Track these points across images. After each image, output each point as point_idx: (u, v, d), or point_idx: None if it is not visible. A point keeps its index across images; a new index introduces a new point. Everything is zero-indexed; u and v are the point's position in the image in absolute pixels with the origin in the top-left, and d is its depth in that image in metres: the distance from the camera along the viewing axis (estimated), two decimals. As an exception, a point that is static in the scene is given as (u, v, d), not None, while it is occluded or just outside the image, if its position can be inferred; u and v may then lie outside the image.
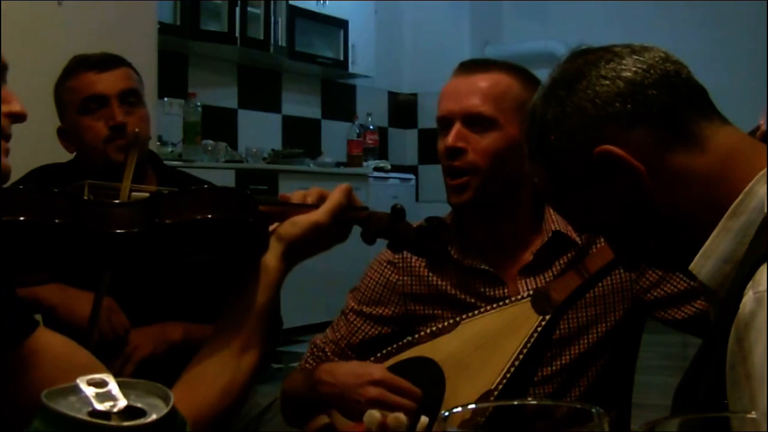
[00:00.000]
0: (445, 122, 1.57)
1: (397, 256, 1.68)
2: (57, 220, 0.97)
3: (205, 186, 1.09)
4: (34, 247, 0.98)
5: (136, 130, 1.86)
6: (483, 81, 1.57)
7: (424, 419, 1.08)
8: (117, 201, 1.09)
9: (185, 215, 1.04)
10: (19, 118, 1.04)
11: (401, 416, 1.05)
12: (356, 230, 1.24)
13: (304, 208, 1.20)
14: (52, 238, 0.98)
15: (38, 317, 1.94)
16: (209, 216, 1.05)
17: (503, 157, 1.54)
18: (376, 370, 1.43)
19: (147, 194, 1.11)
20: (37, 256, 1.01)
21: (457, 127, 1.54)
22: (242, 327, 1.11)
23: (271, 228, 1.17)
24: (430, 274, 1.65)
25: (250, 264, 1.15)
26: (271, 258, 1.15)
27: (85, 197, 1.09)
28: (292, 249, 1.16)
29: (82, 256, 1.03)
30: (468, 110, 1.54)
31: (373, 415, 1.06)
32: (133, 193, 1.12)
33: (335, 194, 1.20)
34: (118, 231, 1.01)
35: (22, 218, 0.95)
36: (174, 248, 1.07)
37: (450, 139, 1.54)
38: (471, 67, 1.61)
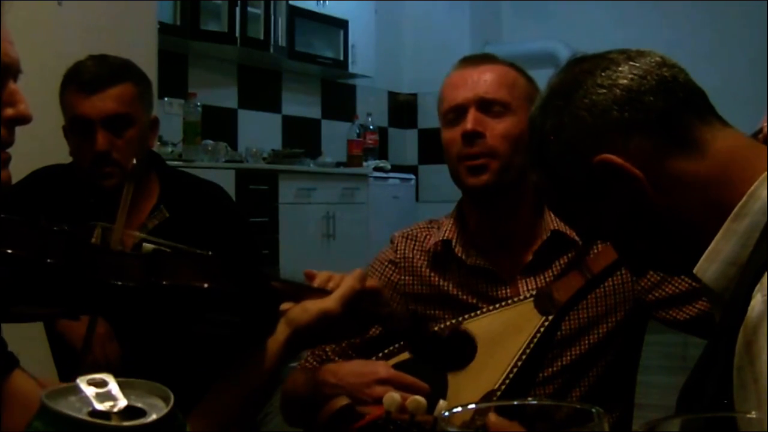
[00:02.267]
0: (458, 111, 1.57)
1: (398, 256, 1.68)
2: (49, 260, 0.92)
3: (213, 255, 1.03)
4: (21, 284, 0.94)
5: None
6: (491, 71, 1.58)
7: (442, 403, 1.08)
8: (116, 249, 1.02)
9: (183, 279, 0.98)
10: (22, 120, 1.01)
11: (421, 399, 1.05)
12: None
13: (319, 292, 1.12)
14: (41, 277, 0.93)
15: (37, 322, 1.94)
16: (206, 285, 0.98)
17: (518, 142, 1.54)
18: (381, 368, 1.42)
19: (153, 246, 1.03)
20: (22, 292, 0.95)
21: (473, 112, 1.55)
22: (226, 409, 1.06)
23: (284, 307, 1.10)
24: (432, 274, 1.64)
25: (254, 341, 1.09)
26: (274, 343, 1.09)
27: (93, 240, 1.03)
28: (299, 336, 1.09)
29: (72, 300, 0.98)
30: (483, 95, 1.55)
31: (393, 397, 1.06)
32: (145, 244, 1.04)
33: (347, 280, 1.13)
34: (110, 281, 0.95)
35: (9, 251, 0.90)
36: (168, 313, 1.01)
37: (469, 123, 1.54)
38: (476, 59, 1.62)
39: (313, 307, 1.09)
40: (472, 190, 1.58)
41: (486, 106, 1.55)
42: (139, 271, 0.97)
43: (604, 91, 1.00)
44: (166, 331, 1.29)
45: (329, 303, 1.10)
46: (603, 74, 1.01)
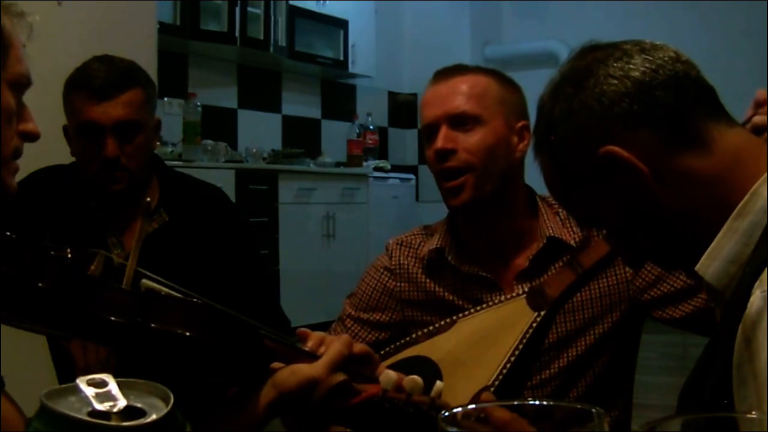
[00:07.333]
0: (432, 128, 1.58)
1: (393, 263, 1.68)
2: (40, 284, 0.92)
3: (209, 304, 1.01)
4: (11, 300, 0.94)
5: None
6: (462, 83, 1.59)
7: (439, 384, 1.07)
8: (110, 283, 1.01)
9: (171, 326, 0.97)
10: (30, 137, 1.04)
11: (418, 378, 1.05)
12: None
13: (309, 357, 1.09)
14: (30, 299, 0.93)
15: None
16: (189, 335, 0.97)
17: (493, 151, 1.55)
18: None
19: (152, 284, 1.02)
20: (12, 308, 0.95)
21: (443, 129, 1.56)
22: None
23: (274, 366, 1.08)
24: (427, 280, 1.65)
25: (237, 396, 1.07)
26: (258, 403, 1.06)
27: (91, 268, 1.02)
28: (284, 399, 1.06)
29: (60, 325, 0.98)
30: (452, 111, 1.56)
31: (390, 375, 1.06)
32: (144, 281, 1.03)
33: (335, 345, 1.09)
34: (96, 314, 0.95)
35: (2, 268, 0.91)
36: (153, 353, 1.00)
37: (439, 142, 1.56)
38: (448, 72, 1.63)
39: (301, 371, 1.06)
40: (454, 210, 1.60)
41: (456, 121, 1.56)
42: (128, 309, 0.96)
43: (616, 82, 1.00)
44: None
45: (317, 369, 1.06)
46: (615, 65, 1.01)
